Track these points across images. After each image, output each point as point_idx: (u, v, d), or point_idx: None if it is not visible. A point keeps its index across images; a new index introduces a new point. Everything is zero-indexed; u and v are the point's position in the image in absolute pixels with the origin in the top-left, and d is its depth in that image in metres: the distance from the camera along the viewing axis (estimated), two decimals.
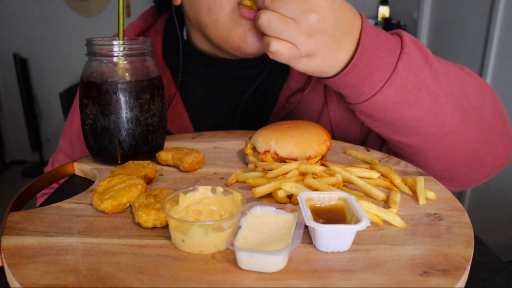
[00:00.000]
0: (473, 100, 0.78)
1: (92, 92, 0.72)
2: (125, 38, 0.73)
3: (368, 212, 0.54)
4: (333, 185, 0.61)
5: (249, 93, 0.98)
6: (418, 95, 0.72)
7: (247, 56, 0.90)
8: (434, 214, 0.58)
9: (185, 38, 1.01)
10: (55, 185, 0.79)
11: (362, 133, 0.99)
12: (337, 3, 0.66)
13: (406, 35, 0.73)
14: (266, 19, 0.65)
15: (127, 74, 0.71)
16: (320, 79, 0.77)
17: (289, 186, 0.57)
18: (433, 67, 0.73)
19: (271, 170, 0.66)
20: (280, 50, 0.67)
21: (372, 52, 0.69)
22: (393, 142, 0.83)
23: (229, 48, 0.87)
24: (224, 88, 1.01)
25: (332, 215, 0.53)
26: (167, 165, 0.76)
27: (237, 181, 0.69)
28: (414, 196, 0.64)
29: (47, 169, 1.07)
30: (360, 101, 0.74)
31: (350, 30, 0.69)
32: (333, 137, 0.97)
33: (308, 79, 0.98)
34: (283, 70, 0.99)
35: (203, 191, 0.57)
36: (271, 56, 0.69)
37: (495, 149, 0.83)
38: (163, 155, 0.75)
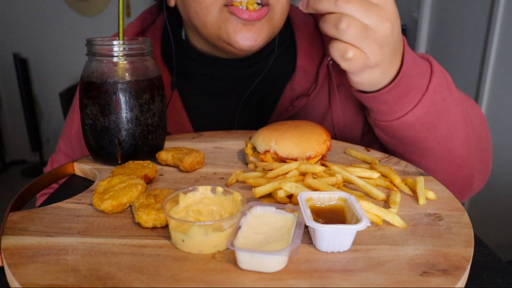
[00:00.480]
0: (477, 129, 0.84)
1: (92, 92, 0.72)
2: (125, 38, 0.73)
3: (368, 212, 0.54)
4: (333, 185, 0.61)
5: (249, 92, 0.98)
6: (442, 118, 0.76)
7: (240, 53, 0.90)
8: (434, 214, 0.58)
9: (184, 37, 1.00)
10: (55, 185, 0.79)
11: (362, 135, 0.99)
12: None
13: (433, 60, 0.77)
14: (345, 24, 0.61)
15: (127, 74, 0.71)
16: (355, 92, 0.79)
17: (289, 186, 0.57)
18: (453, 94, 0.77)
19: (271, 170, 0.66)
20: (355, 59, 0.65)
21: (411, 72, 0.71)
22: (405, 160, 0.83)
23: (222, 45, 0.87)
24: (223, 87, 1.01)
25: (332, 215, 0.53)
26: (167, 165, 0.76)
27: (237, 181, 0.69)
28: (414, 196, 0.63)
29: (47, 169, 1.07)
30: (390, 119, 0.76)
31: (400, 46, 0.71)
32: (335, 138, 0.97)
33: (313, 83, 0.96)
34: (286, 70, 0.99)
35: (203, 191, 0.57)
36: (342, 64, 0.67)
37: (483, 176, 0.92)
38: (163, 155, 0.75)
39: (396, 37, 0.66)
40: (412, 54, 0.74)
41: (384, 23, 0.63)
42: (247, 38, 0.81)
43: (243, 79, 0.99)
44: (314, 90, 0.95)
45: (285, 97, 0.98)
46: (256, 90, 0.98)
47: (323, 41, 0.98)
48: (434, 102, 0.74)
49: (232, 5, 0.79)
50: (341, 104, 0.95)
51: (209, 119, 1.02)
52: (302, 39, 0.98)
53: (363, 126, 0.97)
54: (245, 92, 0.98)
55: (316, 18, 0.83)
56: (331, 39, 0.67)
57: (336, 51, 0.65)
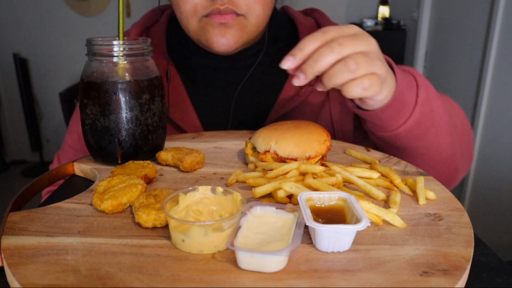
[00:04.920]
0: (459, 129, 0.91)
1: (92, 92, 0.72)
2: (125, 38, 0.73)
3: (368, 212, 0.54)
4: (333, 185, 0.61)
5: (247, 78, 1.03)
6: (430, 127, 0.82)
7: (220, 55, 0.99)
8: (434, 214, 0.58)
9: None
10: (61, 181, 0.79)
11: (355, 128, 1.05)
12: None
13: (415, 71, 0.82)
14: (354, 63, 0.63)
15: (127, 74, 0.71)
16: (352, 107, 0.82)
17: (289, 186, 0.57)
18: (437, 102, 0.82)
19: (271, 170, 0.66)
20: (373, 83, 0.66)
21: (402, 89, 0.75)
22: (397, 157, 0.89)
23: (204, 47, 0.99)
24: (225, 76, 1.06)
25: (332, 215, 0.53)
26: (167, 165, 0.76)
27: (237, 181, 0.69)
28: (414, 196, 0.64)
29: (53, 166, 1.08)
30: (383, 131, 0.81)
31: (387, 66, 0.73)
32: (333, 132, 1.01)
33: None
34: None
35: (203, 191, 0.57)
36: (366, 94, 0.67)
37: (465, 167, 0.98)
38: (163, 155, 0.75)
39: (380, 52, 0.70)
40: (399, 70, 0.77)
41: (369, 40, 0.66)
42: (222, 43, 0.92)
43: (245, 68, 1.04)
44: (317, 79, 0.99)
45: (288, 86, 1.04)
46: (253, 79, 1.04)
47: None
48: (422, 114, 0.79)
49: (209, 15, 0.90)
50: (339, 95, 0.99)
51: (214, 109, 1.07)
52: (305, 33, 1.06)
53: (354, 118, 1.04)
54: (248, 80, 1.04)
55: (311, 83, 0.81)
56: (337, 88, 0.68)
57: (355, 89, 0.66)
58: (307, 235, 0.52)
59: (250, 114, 1.06)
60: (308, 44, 0.65)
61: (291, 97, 1.02)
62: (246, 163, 0.77)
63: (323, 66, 0.64)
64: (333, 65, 0.64)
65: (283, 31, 1.07)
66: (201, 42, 0.95)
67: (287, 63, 0.66)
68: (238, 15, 0.91)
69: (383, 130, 0.82)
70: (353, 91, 0.66)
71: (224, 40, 0.91)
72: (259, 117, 1.04)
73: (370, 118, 0.80)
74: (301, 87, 1.02)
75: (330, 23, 1.07)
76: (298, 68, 0.66)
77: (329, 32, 0.65)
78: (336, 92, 0.98)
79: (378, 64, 0.66)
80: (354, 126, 1.04)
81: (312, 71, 0.65)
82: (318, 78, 0.68)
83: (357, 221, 0.49)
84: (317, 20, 1.08)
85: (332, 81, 0.65)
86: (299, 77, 0.67)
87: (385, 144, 0.87)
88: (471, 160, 1.02)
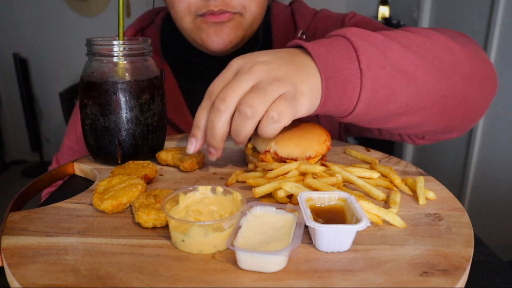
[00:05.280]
0: (446, 57, 0.75)
1: (92, 92, 0.72)
2: (125, 38, 0.73)
3: (368, 212, 0.54)
4: (333, 185, 0.61)
5: None
6: (394, 84, 0.68)
7: (215, 54, 0.99)
8: (434, 214, 0.58)
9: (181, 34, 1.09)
10: (60, 182, 0.79)
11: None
12: (258, 51, 0.65)
13: (349, 33, 0.67)
14: (248, 108, 0.58)
15: (127, 74, 0.71)
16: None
17: (289, 186, 0.57)
18: (393, 49, 0.69)
19: (271, 170, 0.66)
20: (281, 110, 0.59)
21: (333, 70, 0.64)
22: (387, 129, 0.83)
23: (198, 47, 0.99)
24: (216, 76, 1.06)
25: (332, 215, 0.53)
26: (167, 165, 0.76)
27: (237, 181, 0.69)
28: (414, 196, 0.64)
29: (52, 168, 1.08)
30: (343, 116, 0.71)
31: (299, 60, 0.64)
32: (317, 117, 1.02)
33: None
34: None
35: (203, 191, 0.57)
36: (281, 124, 0.60)
37: (482, 89, 0.81)
38: (163, 155, 0.75)
39: (278, 59, 0.63)
40: (323, 50, 0.65)
41: (253, 70, 0.60)
42: (217, 42, 0.92)
43: None
44: None
45: None
46: None
47: (296, 28, 1.06)
48: (375, 78, 0.66)
49: (204, 14, 0.90)
50: None
51: None
52: (276, 25, 1.09)
53: None
54: None
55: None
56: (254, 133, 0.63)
57: (268, 129, 0.60)
58: (307, 235, 0.52)
59: None
60: (200, 117, 0.63)
61: None
62: (246, 163, 0.77)
63: (222, 131, 0.61)
64: (232, 119, 0.60)
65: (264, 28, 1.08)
66: (196, 41, 0.96)
67: (192, 147, 0.66)
68: (233, 13, 0.91)
69: (341, 115, 0.70)
70: (268, 131, 0.60)
71: (219, 39, 0.92)
72: None
73: (321, 112, 0.69)
74: None
75: (306, 11, 1.08)
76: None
77: (212, 91, 0.63)
78: None
79: (275, 86, 0.59)
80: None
81: (216, 141, 0.62)
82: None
83: (357, 221, 0.49)
84: (293, 10, 1.09)
85: (240, 138, 0.61)
86: (212, 153, 0.65)
87: (358, 124, 0.76)
88: (492, 83, 0.85)
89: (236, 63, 0.63)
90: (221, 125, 0.61)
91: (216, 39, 0.92)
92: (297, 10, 1.08)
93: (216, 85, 0.63)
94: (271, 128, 0.60)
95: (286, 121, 0.60)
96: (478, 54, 0.82)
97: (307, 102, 0.62)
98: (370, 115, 0.71)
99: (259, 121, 0.60)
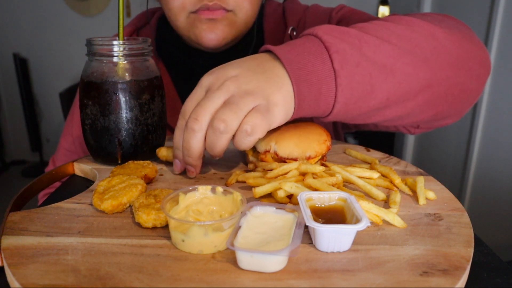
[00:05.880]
0: (427, 44, 0.72)
1: (92, 92, 0.72)
2: (125, 38, 0.73)
3: (368, 212, 0.54)
4: (333, 185, 0.61)
5: None
6: (372, 80, 0.66)
7: (210, 50, 1.01)
8: (434, 214, 0.58)
9: (175, 34, 1.09)
10: (57, 184, 0.79)
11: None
12: (227, 64, 0.65)
13: (320, 31, 0.65)
14: (221, 123, 0.58)
15: (127, 74, 0.71)
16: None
17: (289, 186, 0.57)
18: (368, 44, 0.67)
19: (271, 170, 0.66)
20: (255, 123, 0.59)
21: (306, 73, 0.63)
22: (374, 123, 0.80)
23: (193, 44, 1.00)
24: None
25: (332, 215, 0.53)
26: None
27: (237, 181, 0.69)
28: (414, 196, 0.64)
29: (48, 169, 1.08)
30: (324, 116, 0.69)
31: (270, 68, 0.64)
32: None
33: None
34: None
35: (203, 191, 0.57)
36: (253, 138, 0.60)
37: (473, 71, 0.78)
38: (163, 151, 0.75)
39: (249, 73, 0.62)
40: (293, 54, 0.64)
41: (225, 85, 0.61)
42: (212, 38, 0.93)
43: None
44: None
45: None
46: None
47: (286, 25, 1.08)
48: (350, 76, 0.64)
49: (197, 11, 0.91)
50: None
51: None
52: (268, 23, 1.11)
53: None
54: None
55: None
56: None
57: (242, 143, 0.61)
58: (307, 235, 0.52)
59: None
60: (178, 137, 0.65)
61: None
62: (246, 163, 0.77)
63: (197, 150, 0.62)
64: (206, 135, 0.61)
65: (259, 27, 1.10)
66: (190, 38, 0.96)
67: (177, 168, 0.69)
68: (227, 11, 0.92)
69: (321, 116, 0.69)
70: (243, 144, 0.61)
71: (213, 35, 0.93)
72: None
73: (299, 116, 0.68)
74: None
75: (297, 8, 1.09)
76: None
77: (185, 110, 0.63)
78: None
79: (246, 100, 0.59)
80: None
81: (193, 159, 0.64)
82: None
83: (357, 221, 0.49)
84: (285, 7, 1.10)
85: (215, 152, 0.62)
86: (191, 170, 0.67)
87: (343, 121, 0.74)
88: (484, 64, 0.80)
89: (206, 80, 0.64)
90: (195, 144, 0.62)
91: (210, 34, 0.93)
92: (288, 7, 1.09)
93: (188, 105, 0.63)
94: (245, 142, 0.61)
95: (261, 133, 0.61)
96: (466, 36, 0.78)
97: (281, 112, 0.62)
98: (351, 113, 0.69)
99: (233, 135, 0.61)
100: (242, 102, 0.59)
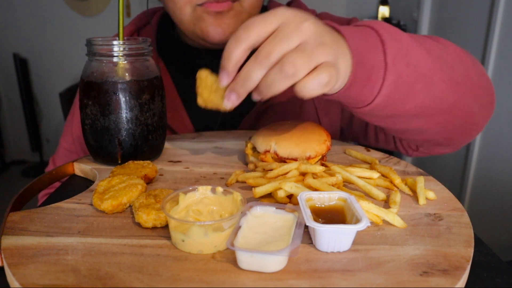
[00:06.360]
0: (459, 69, 0.76)
1: (92, 92, 0.72)
2: (125, 38, 0.73)
3: (368, 212, 0.54)
4: (333, 185, 0.61)
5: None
6: (414, 84, 0.68)
7: (214, 46, 0.99)
8: (434, 214, 0.58)
9: (176, 33, 1.09)
10: (57, 184, 0.79)
11: (344, 118, 1.04)
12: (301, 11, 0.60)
13: (377, 25, 0.66)
14: (292, 67, 0.54)
15: (127, 74, 0.71)
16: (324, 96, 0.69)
17: (289, 186, 0.57)
18: (417, 50, 0.69)
19: (271, 170, 0.66)
20: (330, 74, 0.56)
21: (362, 58, 0.63)
22: (394, 131, 0.82)
23: (197, 39, 0.98)
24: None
25: (332, 215, 0.53)
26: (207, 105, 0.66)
27: (237, 181, 0.69)
28: (414, 196, 0.64)
29: (48, 169, 1.08)
30: (360, 106, 0.70)
31: (335, 35, 0.62)
32: (317, 118, 1.02)
33: None
34: None
35: (203, 191, 0.57)
36: (322, 90, 0.57)
37: (484, 107, 0.82)
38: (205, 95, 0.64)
39: (322, 25, 0.59)
40: (352, 32, 0.64)
41: (299, 28, 0.55)
42: (218, 32, 0.92)
43: None
44: None
45: None
46: None
47: None
48: (398, 74, 0.65)
49: (204, 4, 0.89)
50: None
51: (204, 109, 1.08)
52: None
53: (342, 110, 1.02)
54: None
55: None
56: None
57: (310, 89, 0.56)
58: (307, 235, 0.52)
59: (240, 109, 1.07)
60: (235, 48, 0.57)
61: None
62: (246, 163, 0.77)
63: (255, 83, 0.57)
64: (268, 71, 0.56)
65: None
66: (195, 32, 0.95)
67: (224, 80, 0.59)
68: (233, 2, 0.91)
69: (359, 105, 0.69)
70: (309, 91, 0.56)
71: (220, 29, 0.92)
72: (247, 111, 1.05)
73: (337, 99, 0.68)
74: None
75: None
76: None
77: (253, 30, 0.56)
78: None
79: (321, 51, 0.56)
80: (344, 119, 1.03)
81: (244, 90, 0.58)
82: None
83: (357, 221, 0.49)
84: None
85: (269, 94, 0.57)
86: (231, 99, 0.60)
87: (370, 118, 0.76)
88: (492, 103, 0.85)
89: (283, 13, 0.57)
90: (257, 79, 0.56)
91: (217, 29, 0.92)
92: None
93: (258, 27, 0.56)
94: (314, 90, 0.56)
95: (328, 88, 0.57)
96: (484, 72, 0.83)
97: (339, 80, 0.60)
98: (385, 111, 0.70)
99: (296, 82, 0.56)
100: (316, 52, 0.55)
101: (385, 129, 0.83)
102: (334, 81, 0.57)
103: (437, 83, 0.71)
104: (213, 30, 0.91)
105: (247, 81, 0.57)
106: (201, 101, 0.64)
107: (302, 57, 0.54)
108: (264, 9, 1.08)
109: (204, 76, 0.63)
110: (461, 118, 0.79)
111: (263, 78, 0.56)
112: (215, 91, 0.63)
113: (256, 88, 0.58)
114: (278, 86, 0.56)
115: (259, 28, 0.56)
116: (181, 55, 1.08)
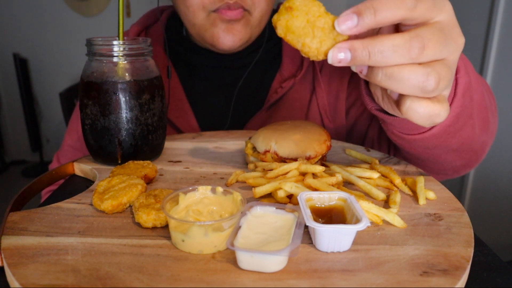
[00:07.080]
0: (489, 108, 0.73)
1: (92, 92, 0.72)
2: (125, 38, 0.73)
3: (368, 212, 0.54)
4: (333, 185, 0.61)
5: (243, 79, 1.06)
6: (468, 119, 0.64)
7: (222, 52, 1.00)
8: (434, 214, 0.58)
9: (185, 33, 1.10)
10: (61, 181, 0.79)
11: (349, 121, 1.04)
12: None
13: None
14: (437, 78, 0.44)
15: (127, 74, 0.71)
16: (374, 110, 0.64)
17: (289, 186, 0.57)
18: (477, 85, 0.64)
19: (271, 170, 0.66)
20: (445, 112, 0.48)
21: None
22: (416, 156, 0.77)
23: (204, 43, 0.99)
24: (220, 76, 1.08)
25: (332, 215, 0.53)
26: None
27: (237, 181, 0.69)
28: (414, 196, 0.63)
29: (52, 166, 1.08)
30: (414, 133, 0.64)
31: None
32: (322, 124, 1.04)
33: (299, 66, 1.05)
34: (274, 60, 1.08)
35: (203, 191, 0.57)
36: (425, 122, 0.48)
37: (490, 144, 0.82)
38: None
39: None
40: None
41: (445, 7, 0.45)
42: (228, 39, 0.93)
43: (239, 68, 1.07)
44: (300, 72, 1.04)
45: (275, 82, 1.06)
46: (250, 77, 1.07)
47: None
48: (463, 106, 0.60)
49: (217, 10, 0.90)
50: (324, 86, 1.03)
51: (212, 108, 1.09)
52: None
53: (345, 103, 1.03)
54: (246, 80, 1.06)
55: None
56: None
57: (417, 113, 0.47)
58: (307, 235, 0.52)
59: (248, 112, 1.07)
60: (387, 10, 0.43)
61: (275, 90, 1.04)
62: (246, 163, 0.77)
63: (384, 63, 0.44)
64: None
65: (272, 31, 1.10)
66: (205, 38, 0.95)
67: (349, 28, 0.44)
68: (244, 10, 0.92)
69: (412, 132, 0.64)
70: (416, 115, 0.47)
71: (231, 36, 0.92)
72: (253, 112, 1.06)
73: (397, 123, 0.62)
74: (284, 80, 1.03)
75: None
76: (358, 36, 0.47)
77: (417, 9, 0.44)
78: (320, 81, 1.02)
79: (455, 41, 0.46)
80: (346, 109, 1.03)
81: (364, 59, 0.44)
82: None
83: (357, 221, 0.49)
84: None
85: (386, 84, 0.46)
86: (338, 56, 0.45)
87: (412, 147, 0.71)
88: (496, 129, 0.84)
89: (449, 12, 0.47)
90: (390, 61, 0.44)
91: (228, 36, 0.92)
92: None
93: (424, 12, 0.44)
94: (423, 118, 0.47)
95: (442, 89, 0.46)
96: (496, 111, 0.81)
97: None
98: (436, 141, 0.64)
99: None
100: (451, 38, 0.45)
101: (407, 153, 0.76)
102: (440, 86, 0.46)
103: (477, 122, 0.67)
104: (224, 36, 0.92)
105: (378, 55, 0.44)
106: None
107: (449, 76, 0.46)
108: (274, 12, 1.08)
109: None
110: (476, 154, 0.78)
111: (395, 66, 0.45)
112: (314, 27, 0.48)
113: (374, 67, 0.46)
114: (401, 88, 0.45)
115: (427, 13, 0.45)
116: (188, 54, 1.08)
